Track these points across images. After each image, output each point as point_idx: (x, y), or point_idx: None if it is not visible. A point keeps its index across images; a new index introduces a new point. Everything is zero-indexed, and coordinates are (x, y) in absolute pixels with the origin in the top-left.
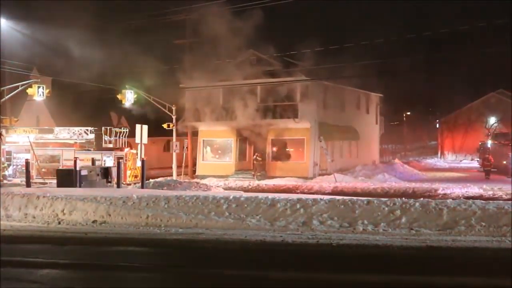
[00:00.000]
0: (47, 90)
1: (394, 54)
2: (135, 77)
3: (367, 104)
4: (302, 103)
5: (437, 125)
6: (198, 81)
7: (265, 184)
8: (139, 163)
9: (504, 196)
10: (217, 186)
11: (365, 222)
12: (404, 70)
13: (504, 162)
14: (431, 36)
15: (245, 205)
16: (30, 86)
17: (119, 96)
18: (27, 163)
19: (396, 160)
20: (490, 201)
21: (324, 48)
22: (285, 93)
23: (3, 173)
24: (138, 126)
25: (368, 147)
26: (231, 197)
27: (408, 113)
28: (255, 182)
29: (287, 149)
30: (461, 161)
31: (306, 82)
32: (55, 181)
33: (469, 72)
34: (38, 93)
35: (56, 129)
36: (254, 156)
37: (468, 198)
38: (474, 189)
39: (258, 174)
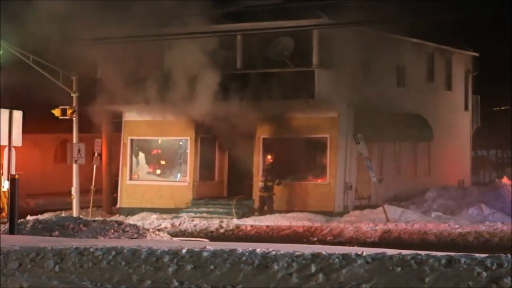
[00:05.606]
0: None
1: None
2: None
3: (448, 71)
4: (323, 71)
5: None
6: (122, 27)
7: (252, 225)
8: (6, 185)
9: None
10: (158, 230)
11: None
12: None
13: None
14: None
15: (212, 267)
16: None
17: None
18: None
19: (505, 181)
20: None
21: None
22: (290, 50)
23: None
24: (3, 113)
25: (450, 155)
26: (184, 251)
27: None
28: (231, 222)
29: (293, 159)
30: None
31: (331, 30)
32: None
33: None
34: None
35: None
36: (262, 172)
37: None
38: None
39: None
